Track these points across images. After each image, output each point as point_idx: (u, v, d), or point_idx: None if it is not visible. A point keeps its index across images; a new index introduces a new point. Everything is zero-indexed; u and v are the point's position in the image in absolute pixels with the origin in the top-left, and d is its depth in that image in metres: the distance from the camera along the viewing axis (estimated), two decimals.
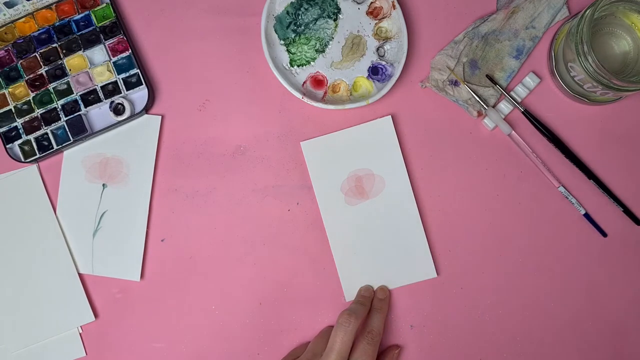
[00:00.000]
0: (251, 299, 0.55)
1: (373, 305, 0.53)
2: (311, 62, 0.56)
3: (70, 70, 0.56)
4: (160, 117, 0.57)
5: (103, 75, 0.56)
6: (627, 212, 0.55)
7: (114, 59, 0.56)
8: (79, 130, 0.55)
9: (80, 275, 0.55)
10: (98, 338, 0.55)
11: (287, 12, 0.56)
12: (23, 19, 0.57)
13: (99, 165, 0.56)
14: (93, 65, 0.56)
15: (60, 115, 0.55)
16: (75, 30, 0.56)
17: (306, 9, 0.57)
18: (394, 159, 0.55)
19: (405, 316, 0.54)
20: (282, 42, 0.56)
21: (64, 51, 0.56)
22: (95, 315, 0.55)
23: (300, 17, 0.57)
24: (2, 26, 0.57)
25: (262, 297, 0.55)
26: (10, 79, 0.56)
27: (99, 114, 0.56)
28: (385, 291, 0.54)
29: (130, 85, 0.56)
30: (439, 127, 0.57)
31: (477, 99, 0.55)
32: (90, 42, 0.56)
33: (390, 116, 0.55)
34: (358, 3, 0.57)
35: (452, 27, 0.57)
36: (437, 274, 0.55)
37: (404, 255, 0.54)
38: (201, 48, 0.58)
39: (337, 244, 0.55)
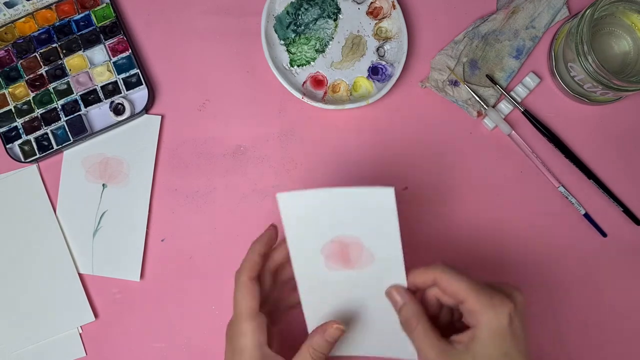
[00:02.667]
0: None
1: None
2: (311, 62, 0.56)
3: (70, 70, 0.56)
4: (160, 117, 0.57)
5: (103, 75, 0.56)
6: (627, 212, 0.55)
7: (114, 59, 0.56)
8: (79, 130, 0.55)
9: (80, 275, 0.55)
10: (98, 338, 0.55)
11: (287, 12, 0.56)
12: (23, 19, 0.57)
13: (99, 165, 0.56)
14: (93, 65, 0.56)
15: (60, 115, 0.55)
16: (75, 30, 0.56)
17: (306, 9, 0.57)
18: (390, 237, 0.42)
19: None
20: (282, 42, 0.56)
21: (64, 51, 0.56)
22: (95, 315, 0.55)
23: (300, 17, 0.57)
24: (2, 26, 0.57)
25: None
26: (10, 79, 0.56)
27: (99, 114, 0.56)
28: None
29: (130, 85, 0.56)
30: (438, 127, 0.57)
31: (477, 99, 0.55)
32: (90, 42, 0.56)
33: (392, 188, 0.40)
34: (358, 3, 0.57)
35: (452, 27, 0.57)
36: None
37: (381, 331, 0.45)
38: (201, 48, 0.58)
39: (312, 306, 0.45)
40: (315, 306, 0.45)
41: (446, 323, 0.44)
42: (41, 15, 0.57)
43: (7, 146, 0.55)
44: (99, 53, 0.56)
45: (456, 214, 0.55)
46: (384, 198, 0.41)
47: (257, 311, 0.42)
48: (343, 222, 0.42)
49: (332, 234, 0.43)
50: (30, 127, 0.55)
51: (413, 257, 0.56)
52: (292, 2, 0.57)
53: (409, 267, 0.42)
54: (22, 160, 0.55)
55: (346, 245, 0.43)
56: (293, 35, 0.56)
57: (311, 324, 0.45)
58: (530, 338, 0.40)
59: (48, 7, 0.57)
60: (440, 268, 0.40)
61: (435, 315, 0.43)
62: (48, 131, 0.55)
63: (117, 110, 0.56)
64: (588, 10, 0.49)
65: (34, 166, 0.56)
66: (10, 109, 0.56)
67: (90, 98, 0.56)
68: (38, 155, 0.55)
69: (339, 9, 0.57)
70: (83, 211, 0.56)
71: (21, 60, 0.56)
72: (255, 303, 0.42)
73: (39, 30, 0.56)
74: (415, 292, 0.42)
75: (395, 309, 0.42)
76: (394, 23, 0.56)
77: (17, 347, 0.54)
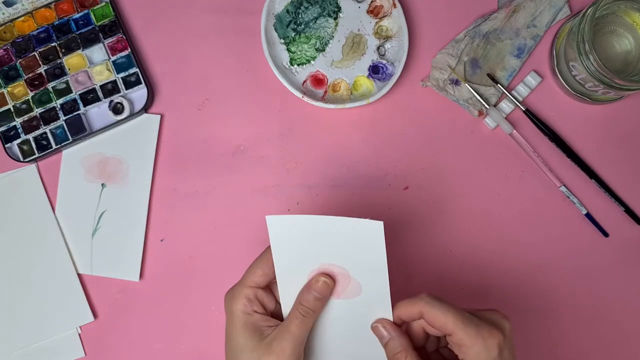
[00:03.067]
0: None
1: None
2: (311, 61, 0.56)
3: (69, 69, 0.56)
4: (159, 116, 0.56)
5: (102, 74, 0.56)
6: (629, 211, 0.55)
7: (113, 58, 0.56)
8: (78, 130, 0.55)
9: (79, 275, 0.55)
10: (97, 338, 0.54)
11: (287, 11, 0.56)
12: (22, 18, 0.56)
13: (98, 164, 0.56)
14: (92, 65, 0.56)
15: (59, 115, 0.55)
16: (75, 29, 0.56)
17: (306, 8, 0.56)
18: (378, 270, 0.41)
19: None
20: (282, 41, 0.56)
21: (63, 50, 0.56)
22: (95, 315, 0.55)
23: (300, 16, 0.56)
24: (1, 25, 0.56)
25: None
26: (9, 78, 0.56)
27: (98, 113, 0.56)
28: None
29: (129, 84, 0.56)
30: (439, 126, 0.56)
31: (479, 98, 0.55)
32: (89, 41, 0.56)
33: (382, 222, 0.39)
34: (358, 2, 0.56)
35: (453, 25, 0.57)
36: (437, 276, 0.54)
37: None
38: (201, 47, 0.57)
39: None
40: None
41: (433, 351, 0.43)
42: (40, 14, 0.56)
43: (6, 145, 0.55)
44: (98, 52, 0.56)
45: (456, 214, 0.55)
46: (373, 231, 0.40)
47: (259, 285, 0.42)
48: (331, 250, 0.42)
49: (319, 261, 0.42)
50: (29, 127, 0.55)
51: (414, 258, 0.56)
52: (292, 1, 0.56)
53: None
54: (21, 159, 0.55)
55: (333, 274, 0.42)
56: (293, 34, 0.56)
57: None
58: None
59: (47, 6, 0.57)
60: (425, 300, 0.39)
61: (421, 346, 0.43)
62: (47, 130, 0.55)
63: (116, 109, 0.55)
64: (589, 9, 0.49)
65: (33, 166, 0.56)
66: (9, 108, 0.55)
67: (90, 97, 0.55)
68: (37, 155, 0.55)
69: (339, 8, 0.56)
70: (82, 211, 0.55)
71: (20, 60, 0.56)
72: (263, 279, 0.42)
73: (38, 29, 0.56)
74: (401, 324, 0.42)
75: (382, 344, 0.41)
76: (395, 22, 0.56)
77: (17, 347, 0.54)
